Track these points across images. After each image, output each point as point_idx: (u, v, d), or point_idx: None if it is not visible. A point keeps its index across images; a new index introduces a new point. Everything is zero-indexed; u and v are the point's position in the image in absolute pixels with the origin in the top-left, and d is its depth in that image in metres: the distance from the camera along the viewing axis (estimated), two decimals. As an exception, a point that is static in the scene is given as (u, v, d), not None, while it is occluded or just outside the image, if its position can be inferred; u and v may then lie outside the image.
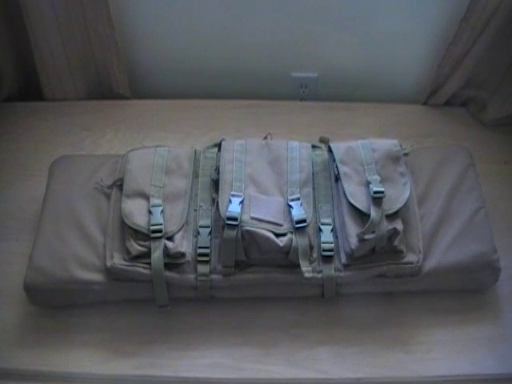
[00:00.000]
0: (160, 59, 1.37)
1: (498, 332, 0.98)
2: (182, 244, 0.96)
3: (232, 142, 1.06)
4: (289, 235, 0.95)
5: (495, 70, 1.24)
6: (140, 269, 0.94)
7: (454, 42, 1.21)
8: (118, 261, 0.94)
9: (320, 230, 0.99)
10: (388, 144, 1.05)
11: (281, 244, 0.93)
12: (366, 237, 0.94)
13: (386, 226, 0.95)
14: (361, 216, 0.97)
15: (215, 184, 1.02)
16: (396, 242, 0.95)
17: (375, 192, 0.97)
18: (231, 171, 1.01)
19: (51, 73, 1.29)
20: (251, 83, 1.39)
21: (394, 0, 1.22)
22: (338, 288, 0.97)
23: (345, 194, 0.99)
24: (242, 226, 0.93)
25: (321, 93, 1.42)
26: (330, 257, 0.96)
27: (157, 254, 0.93)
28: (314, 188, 1.03)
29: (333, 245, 0.97)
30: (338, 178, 1.03)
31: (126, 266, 0.94)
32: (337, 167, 1.03)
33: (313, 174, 1.05)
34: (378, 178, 1.00)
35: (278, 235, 0.94)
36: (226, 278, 0.95)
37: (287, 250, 0.94)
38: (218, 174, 1.02)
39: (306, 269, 0.92)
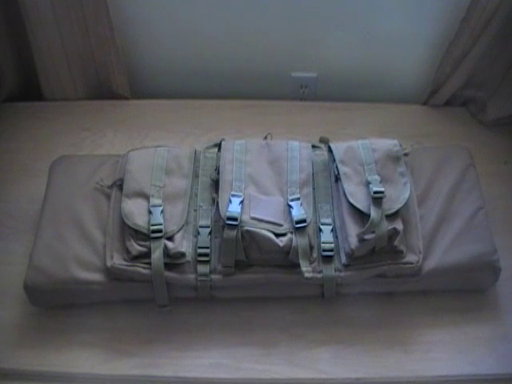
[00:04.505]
0: (160, 59, 1.38)
1: (498, 332, 0.98)
2: (182, 244, 0.96)
3: (232, 141, 1.06)
4: (289, 235, 0.95)
5: (495, 70, 1.24)
6: (140, 269, 0.94)
7: (454, 42, 1.21)
8: (118, 261, 0.94)
9: (320, 230, 0.99)
10: (388, 144, 1.05)
11: (281, 244, 0.93)
12: (366, 237, 0.94)
13: (386, 226, 0.95)
14: (361, 216, 0.97)
15: (215, 184, 1.02)
16: (396, 242, 0.95)
17: (375, 192, 0.97)
18: (231, 171, 1.01)
19: (51, 73, 1.29)
20: (251, 83, 1.39)
21: (394, 0, 1.22)
22: (338, 288, 0.97)
23: (345, 194, 0.99)
24: (242, 226, 0.93)
25: (321, 93, 1.42)
26: (330, 257, 0.96)
27: (157, 254, 0.93)
28: (314, 188, 1.03)
29: (333, 245, 0.97)
30: (337, 178, 1.03)
31: (126, 265, 0.94)
32: (337, 167, 1.03)
33: (313, 174, 1.04)
34: (377, 178, 1.00)
35: (277, 235, 0.94)
36: (226, 277, 0.95)
37: (287, 250, 0.94)
38: (218, 173, 1.02)
39: (306, 269, 0.92)
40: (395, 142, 1.06)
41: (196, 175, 1.05)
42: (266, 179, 1.01)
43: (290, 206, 0.98)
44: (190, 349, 0.96)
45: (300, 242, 0.94)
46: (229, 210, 0.95)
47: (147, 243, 0.94)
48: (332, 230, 0.99)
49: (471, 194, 1.05)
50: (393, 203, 0.98)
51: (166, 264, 0.93)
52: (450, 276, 0.98)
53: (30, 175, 1.19)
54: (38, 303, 0.99)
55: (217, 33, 1.30)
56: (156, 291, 0.94)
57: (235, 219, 0.93)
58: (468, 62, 1.21)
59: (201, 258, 0.96)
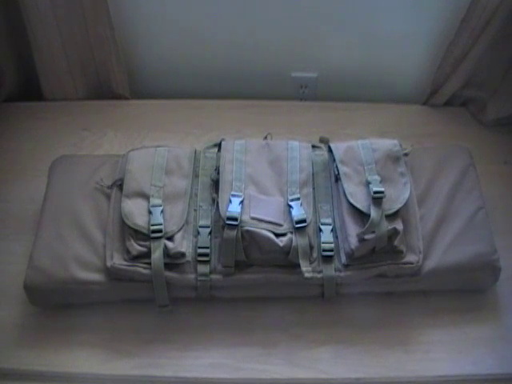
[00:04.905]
0: (160, 59, 1.38)
1: (498, 332, 0.98)
2: (182, 244, 0.96)
3: (232, 141, 1.06)
4: (289, 235, 0.95)
5: (495, 70, 1.24)
6: (140, 269, 0.94)
7: (454, 42, 1.21)
8: (118, 261, 0.94)
9: (320, 229, 0.99)
10: (388, 144, 1.05)
11: (281, 244, 0.93)
12: (366, 237, 0.94)
13: (386, 226, 0.95)
14: (361, 216, 0.97)
15: (215, 184, 1.02)
16: (396, 242, 0.95)
17: (375, 192, 0.97)
18: (231, 171, 1.01)
19: (51, 73, 1.29)
20: (251, 83, 1.39)
21: (394, 0, 1.22)
22: (338, 288, 0.97)
23: (345, 194, 0.99)
24: (242, 226, 0.93)
25: (321, 93, 1.42)
26: (330, 257, 0.96)
27: (157, 254, 0.93)
28: (314, 188, 1.03)
29: (333, 245, 0.97)
30: (337, 178, 1.03)
31: (126, 265, 0.94)
32: (337, 167, 1.03)
33: (313, 174, 1.04)
34: (377, 178, 1.00)
35: (277, 235, 0.94)
36: (226, 277, 0.95)
37: (287, 250, 0.94)
38: (218, 173, 1.02)
39: (306, 269, 0.92)
40: (395, 142, 1.06)
41: (196, 175, 1.05)
42: (266, 179, 1.01)
43: (290, 206, 0.98)
44: (190, 349, 0.96)
45: (300, 242, 0.94)
46: (229, 210, 0.95)
47: (147, 243, 0.94)
48: (332, 230, 0.99)
49: (471, 194, 1.05)
50: (393, 203, 0.98)
51: (166, 264, 0.93)
52: (450, 276, 0.98)
53: (30, 175, 1.19)
54: (38, 303, 0.99)
55: (217, 33, 1.30)
56: (156, 291, 0.94)
57: (235, 219, 0.93)
58: (468, 61, 1.21)
59: (201, 258, 0.96)
